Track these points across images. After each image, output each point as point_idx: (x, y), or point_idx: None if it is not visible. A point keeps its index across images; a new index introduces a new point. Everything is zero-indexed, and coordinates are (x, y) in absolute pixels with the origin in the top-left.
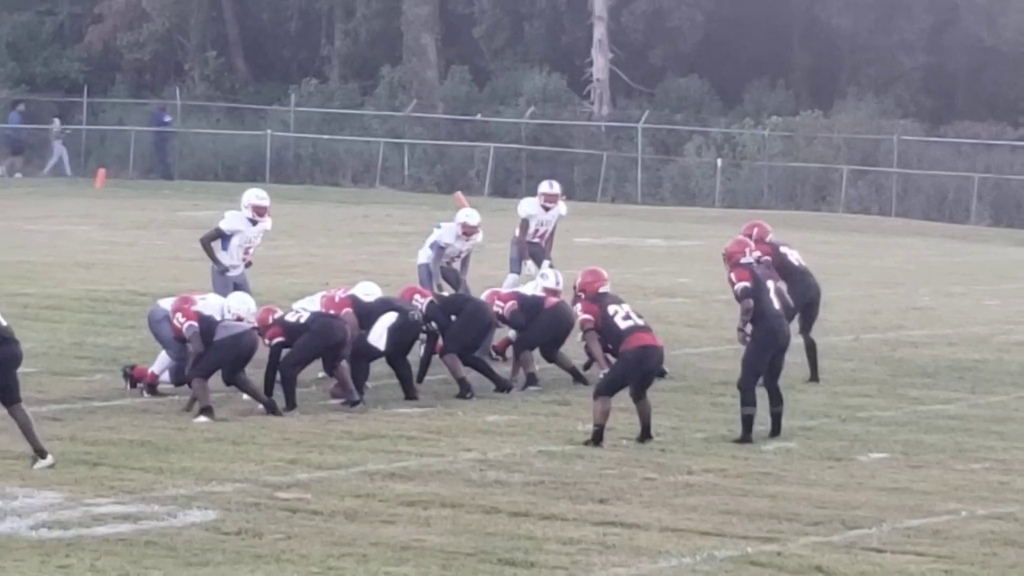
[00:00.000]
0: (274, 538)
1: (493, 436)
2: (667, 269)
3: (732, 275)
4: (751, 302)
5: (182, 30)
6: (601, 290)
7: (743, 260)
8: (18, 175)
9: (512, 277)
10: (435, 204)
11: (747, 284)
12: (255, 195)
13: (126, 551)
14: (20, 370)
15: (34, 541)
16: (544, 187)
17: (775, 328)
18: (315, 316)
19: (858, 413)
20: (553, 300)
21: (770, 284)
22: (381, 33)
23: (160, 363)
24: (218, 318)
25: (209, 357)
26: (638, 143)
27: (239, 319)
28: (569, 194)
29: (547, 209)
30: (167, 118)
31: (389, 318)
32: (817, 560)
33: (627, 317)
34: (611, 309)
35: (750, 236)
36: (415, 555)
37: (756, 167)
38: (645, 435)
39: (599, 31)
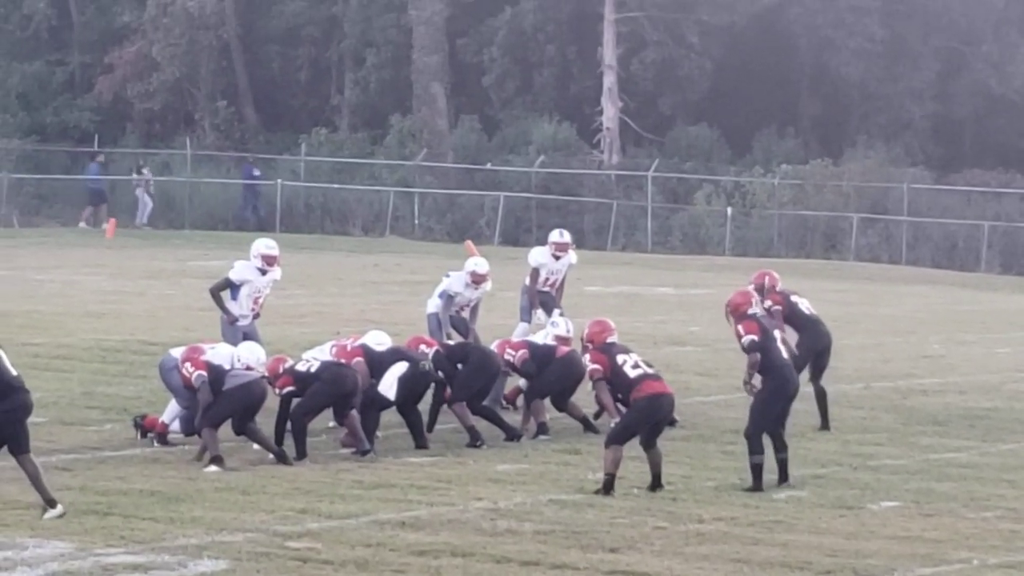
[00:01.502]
0: None
1: (504, 485)
2: (677, 318)
3: (740, 327)
4: (758, 355)
5: (192, 80)
6: (609, 340)
7: (749, 311)
8: (104, 225)
9: (523, 326)
10: (446, 253)
11: (754, 337)
12: (264, 245)
13: None
14: (30, 420)
15: None
16: (554, 236)
17: (785, 378)
18: (326, 365)
19: (869, 461)
20: (564, 349)
21: (777, 334)
22: (391, 82)
23: (170, 412)
24: (228, 367)
25: (219, 406)
26: (648, 191)
27: (249, 368)
28: (579, 243)
29: (557, 258)
30: (256, 171)
31: (400, 368)
32: None
33: (636, 366)
34: (620, 359)
35: (761, 285)
36: None
37: (766, 215)
38: (656, 484)
39: (609, 80)
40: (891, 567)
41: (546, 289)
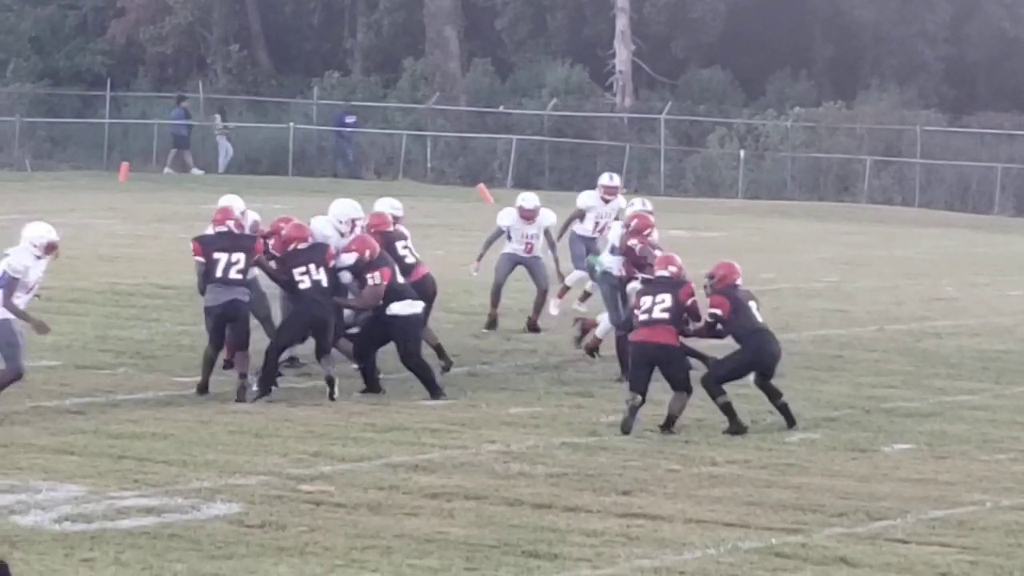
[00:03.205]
0: (298, 531)
1: (516, 428)
2: (690, 260)
3: (709, 299)
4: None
5: (205, 23)
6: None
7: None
8: (196, 171)
9: (578, 273)
10: (458, 196)
11: (719, 312)
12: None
13: (150, 544)
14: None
15: (58, 534)
16: (604, 179)
17: (761, 344)
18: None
19: (882, 404)
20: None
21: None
22: (403, 26)
23: None
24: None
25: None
26: (661, 134)
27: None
28: (592, 186)
29: (607, 201)
30: (349, 118)
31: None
32: (842, 551)
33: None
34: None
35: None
36: (439, 547)
37: (779, 158)
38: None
39: (621, 23)
40: (904, 510)
41: (595, 236)
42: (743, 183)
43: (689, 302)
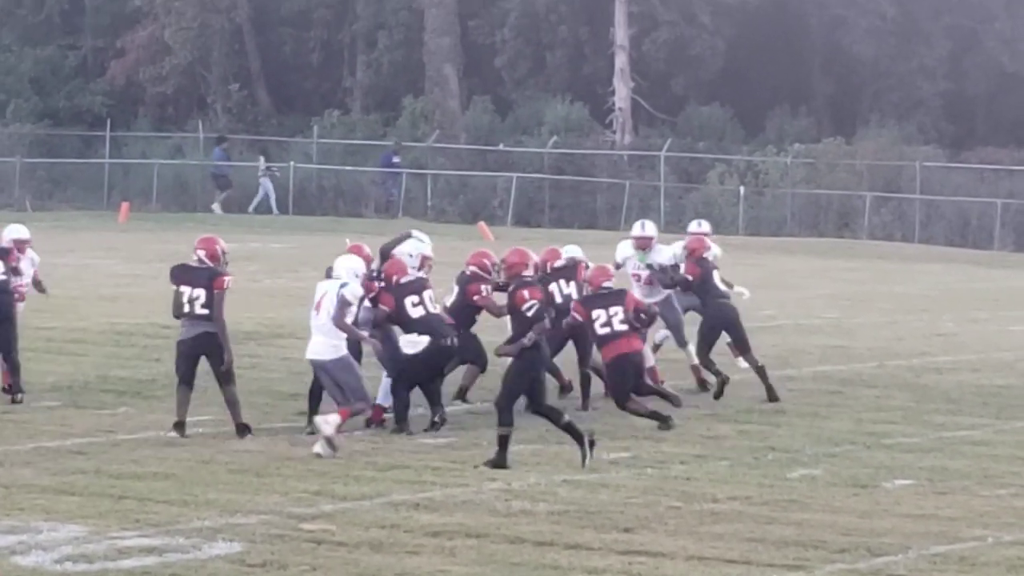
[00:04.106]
0: (299, 570)
1: (518, 466)
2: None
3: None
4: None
5: (204, 63)
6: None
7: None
8: (216, 209)
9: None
10: (458, 234)
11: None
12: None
13: None
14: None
15: (59, 575)
16: (636, 229)
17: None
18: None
19: (883, 440)
20: None
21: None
22: (403, 64)
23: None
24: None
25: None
26: (660, 171)
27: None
28: (592, 223)
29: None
30: (396, 158)
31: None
32: None
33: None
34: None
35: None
36: None
37: (779, 194)
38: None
39: (621, 60)
40: (905, 545)
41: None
42: (743, 220)
43: (633, 306)
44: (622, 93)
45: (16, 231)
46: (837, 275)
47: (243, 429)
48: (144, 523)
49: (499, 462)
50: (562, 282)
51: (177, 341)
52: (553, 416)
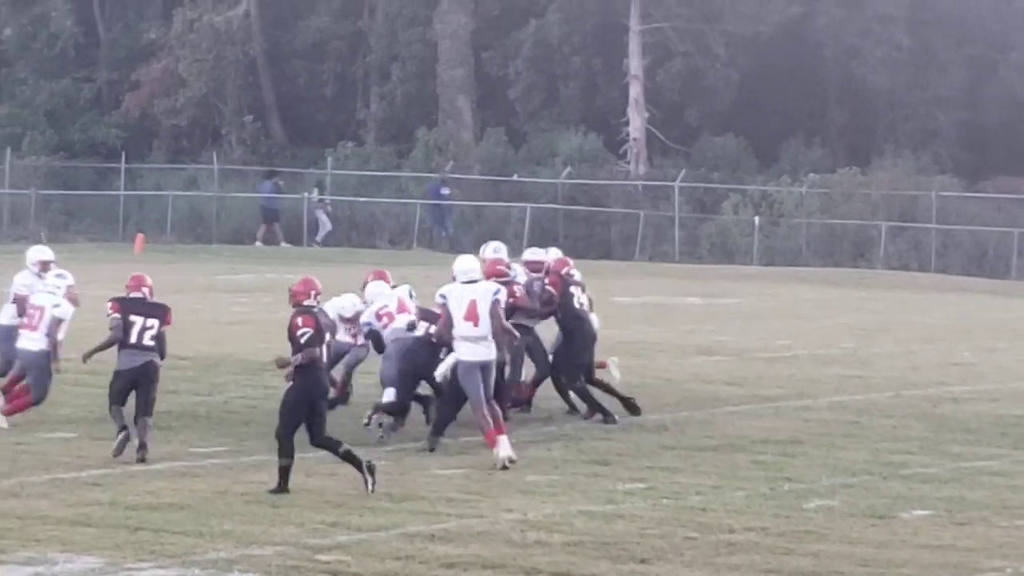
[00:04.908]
0: None
1: (533, 496)
2: (706, 327)
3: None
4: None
5: (219, 95)
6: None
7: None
8: (285, 244)
9: None
10: None
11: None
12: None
13: None
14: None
15: None
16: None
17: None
18: None
19: (900, 470)
20: None
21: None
22: (417, 96)
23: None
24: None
25: None
26: (675, 202)
27: None
28: (607, 253)
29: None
30: (445, 190)
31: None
32: None
33: None
34: None
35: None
36: None
37: (794, 224)
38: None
39: (635, 90)
40: None
41: None
42: (758, 250)
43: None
44: (636, 123)
45: (39, 252)
46: (853, 305)
47: (143, 447)
48: (160, 554)
49: (278, 491)
50: (576, 289)
51: (120, 369)
52: (331, 446)
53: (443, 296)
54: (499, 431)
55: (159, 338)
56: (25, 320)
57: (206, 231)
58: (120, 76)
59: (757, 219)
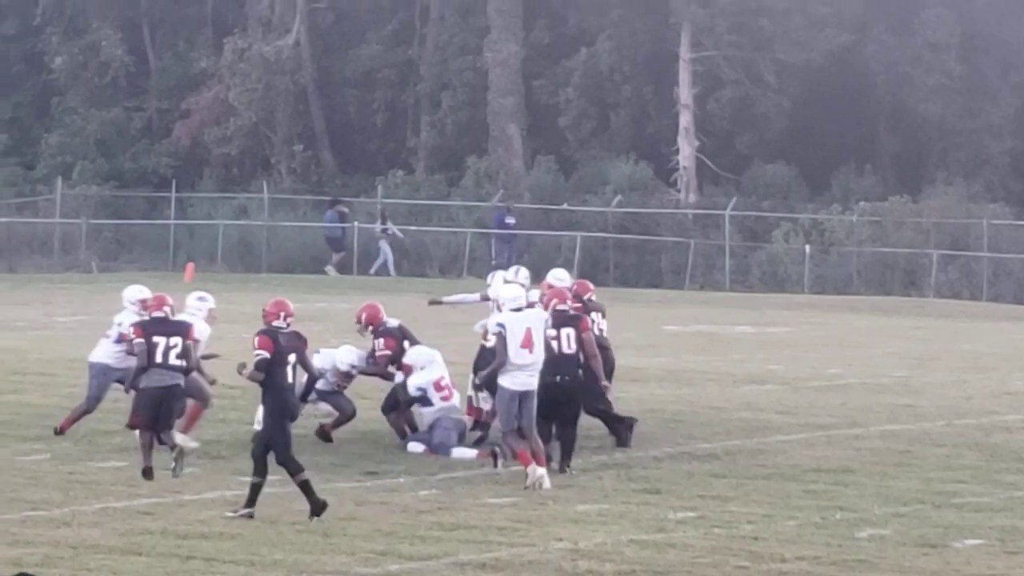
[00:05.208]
0: None
1: (584, 526)
2: (756, 356)
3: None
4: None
5: (269, 124)
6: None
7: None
8: (330, 270)
9: None
10: None
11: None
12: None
13: None
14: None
15: None
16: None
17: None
18: None
19: (952, 499)
20: None
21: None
22: (467, 124)
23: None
24: None
25: None
26: (725, 230)
27: None
28: (657, 282)
29: None
30: (510, 219)
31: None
32: None
33: None
34: None
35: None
36: None
37: (845, 253)
38: None
39: (685, 119)
40: None
41: None
42: (809, 278)
43: None
44: (686, 152)
45: (139, 292)
46: (904, 333)
47: (149, 472)
48: None
49: (247, 507)
50: (597, 315)
51: (144, 387)
52: (291, 468)
53: (501, 325)
54: (539, 462)
55: (186, 354)
56: None
57: (256, 260)
58: (170, 105)
59: (808, 247)
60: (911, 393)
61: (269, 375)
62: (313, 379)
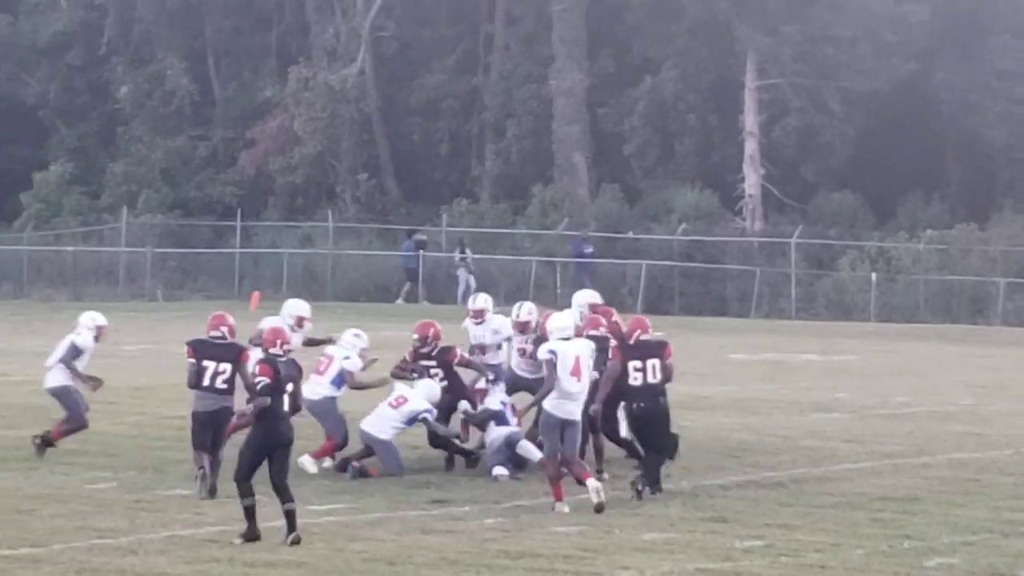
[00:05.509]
0: None
1: (650, 554)
2: (823, 384)
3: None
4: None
5: (334, 153)
6: None
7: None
8: (424, 302)
9: None
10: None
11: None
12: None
13: None
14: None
15: None
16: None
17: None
18: None
19: (1021, 528)
20: None
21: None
22: (532, 153)
23: None
24: None
25: None
26: (791, 258)
27: None
28: (722, 310)
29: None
30: (588, 248)
31: None
32: None
33: None
34: None
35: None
36: None
37: (911, 280)
38: None
39: (750, 147)
40: None
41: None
42: (875, 306)
43: None
44: (752, 180)
45: (296, 307)
46: (971, 362)
47: (213, 491)
48: None
49: (250, 535)
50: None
51: (195, 411)
52: (282, 496)
53: (552, 352)
54: (585, 475)
55: (232, 380)
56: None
57: (321, 288)
58: (235, 134)
59: (874, 275)
60: (979, 421)
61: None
62: (296, 410)
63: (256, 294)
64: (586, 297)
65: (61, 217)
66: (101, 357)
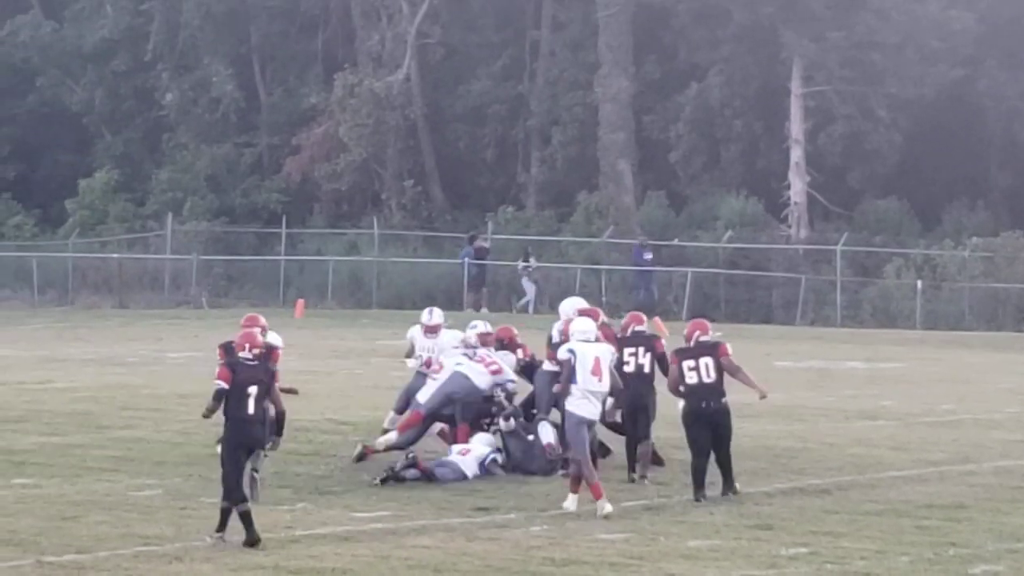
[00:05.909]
0: None
1: (696, 561)
2: (868, 392)
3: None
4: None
5: (379, 160)
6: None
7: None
8: (484, 309)
9: None
10: None
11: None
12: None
13: None
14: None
15: None
16: (424, 317)
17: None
18: None
19: None
20: None
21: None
22: (577, 160)
23: None
24: None
25: None
26: (837, 265)
27: None
28: (767, 317)
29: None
30: (648, 255)
31: None
32: None
33: None
34: None
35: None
36: None
37: (957, 288)
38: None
39: (796, 154)
40: None
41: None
42: (921, 314)
43: None
44: (797, 187)
45: (483, 326)
46: (1017, 369)
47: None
48: None
49: (249, 539)
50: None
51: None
52: (233, 496)
53: (571, 351)
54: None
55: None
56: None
57: (366, 296)
58: (281, 141)
59: (920, 283)
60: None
61: (227, 406)
62: (280, 413)
63: (301, 302)
64: (573, 304)
65: (106, 224)
66: (144, 364)
